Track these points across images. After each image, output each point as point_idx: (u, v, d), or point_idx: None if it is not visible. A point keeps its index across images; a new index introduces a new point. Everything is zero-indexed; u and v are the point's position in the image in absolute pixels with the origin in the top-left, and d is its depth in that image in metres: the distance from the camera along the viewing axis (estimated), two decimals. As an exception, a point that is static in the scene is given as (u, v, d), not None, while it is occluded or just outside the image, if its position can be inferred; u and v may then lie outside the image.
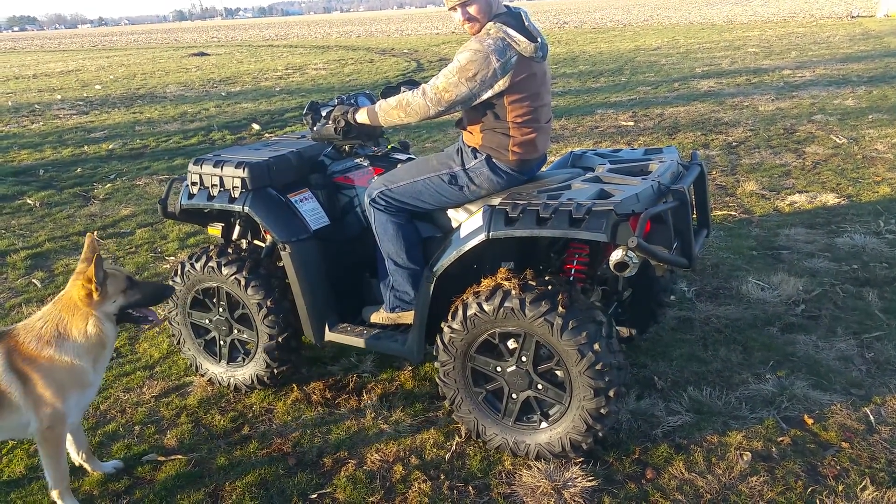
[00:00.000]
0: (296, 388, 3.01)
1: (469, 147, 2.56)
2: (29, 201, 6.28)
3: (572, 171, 2.70)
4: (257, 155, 2.94)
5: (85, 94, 14.60)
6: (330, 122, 2.72)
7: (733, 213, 4.88)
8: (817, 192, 5.19)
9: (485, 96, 2.39)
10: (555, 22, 35.38)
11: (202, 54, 25.76)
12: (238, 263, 2.83)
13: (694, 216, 2.61)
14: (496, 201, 2.36)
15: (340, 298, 2.94)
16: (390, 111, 2.53)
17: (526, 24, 2.45)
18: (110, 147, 8.62)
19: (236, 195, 2.80)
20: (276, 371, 2.91)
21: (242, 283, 2.80)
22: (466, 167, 2.55)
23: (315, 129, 2.81)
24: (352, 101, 2.84)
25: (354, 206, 2.95)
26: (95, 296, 2.19)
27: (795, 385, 2.79)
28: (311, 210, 2.90)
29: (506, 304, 2.30)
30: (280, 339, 2.84)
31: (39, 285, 4.34)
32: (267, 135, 9.06)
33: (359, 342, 2.79)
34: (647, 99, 9.88)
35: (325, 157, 3.03)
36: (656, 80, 11.71)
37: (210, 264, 2.86)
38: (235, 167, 2.80)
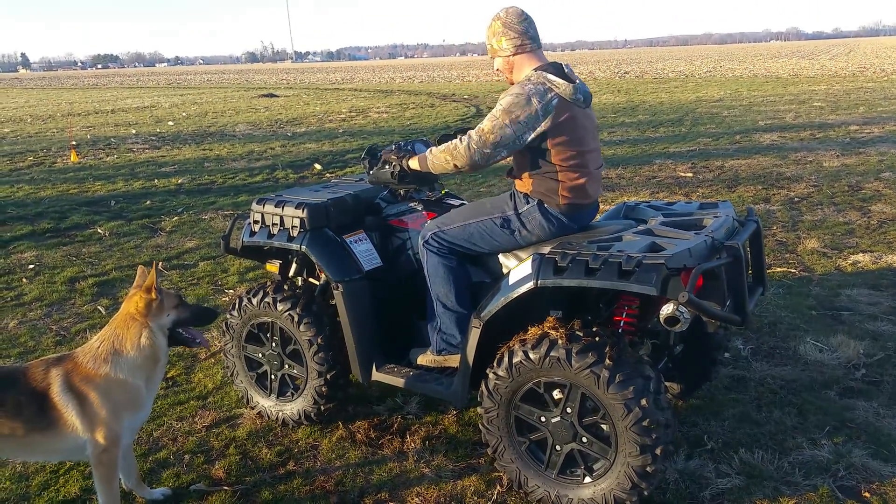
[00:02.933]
0: (341, 425, 3.05)
1: (521, 193, 2.61)
2: (99, 230, 6.60)
3: (624, 223, 2.69)
4: (317, 196, 3.04)
5: (158, 130, 15.34)
6: (385, 166, 2.79)
7: (793, 270, 4.75)
8: (882, 253, 5.01)
9: (529, 138, 2.45)
10: (615, 72, 35.54)
11: (271, 95, 26.80)
12: (292, 300, 2.92)
13: (749, 273, 2.55)
14: (546, 249, 2.36)
15: (388, 339, 2.98)
16: (439, 156, 2.58)
17: (566, 71, 2.54)
18: (179, 181, 9.02)
19: (295, 234, 2.90)
20: (322, 408, 2.96)
21: (295, 319, 2.89)
22: (519, 211, 2.59)
23: (372, 172, 2.88)
24: (408, 147, 2.89)
25: (406, 248, 3.01)
26: (154, 304, 2.31)
27: (853, 453, 2.67)
28: (364, 251, 2.97)
29: (552, 354, 2.27)
30: (328, 377, 2.89)
31: (104, 312, 4.53)
32: (328, 175, 9.33)
33: (404, 383, 2.81)
34: (708, 150, 9.78)
35: (380, 200, 3.13)
36: (717, 131, 11.60)
37: (266, 300, 2.96)
38: (295, 208, 2.91)
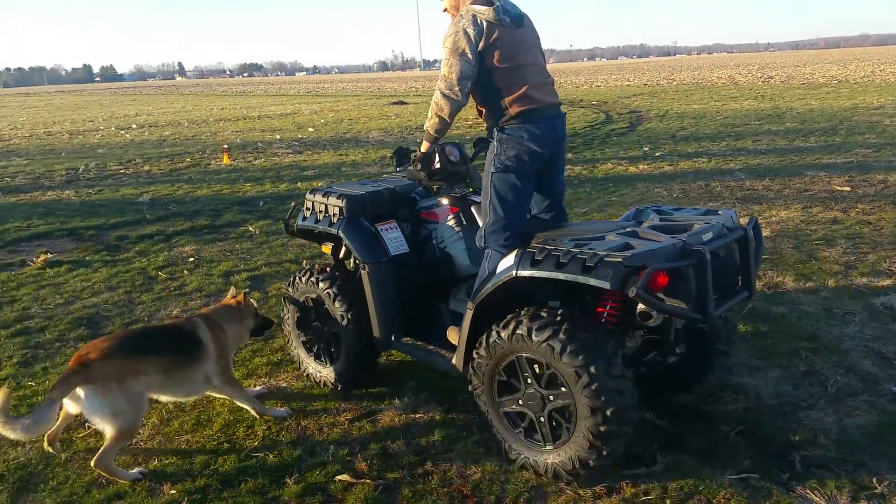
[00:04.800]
0: (475, 430, 3.07)
1: (490, 134, 2.99)
2: (251, 228, 7.06)
3: (618, 224, 2.88)
4: (358, 190, 3.51)
5: (299, 136, 16.21)
6: (413, 164, 3.23)
7: (973, 297, 4.27)
8: None
9: (475, 61, 2.83)
10: (758, 76, 33.57)
11: (401, 103, 27.61)
12: (331, 280, 3.40)
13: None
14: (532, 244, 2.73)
15: (410, 316, 3.38)
16: (430, 119, 3.01)
17: (498, 2, 2.87)
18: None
19: (335, 221, 3.38)
20: (354, 373, 3.42)
21: (331, 296, 3.35)
22: (497, 151, 2.92)
23: (409, 170, 3.32)
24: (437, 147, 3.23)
25: (432, 238, 3.40)
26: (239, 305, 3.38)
27: None
28: (393, 238, 3.41)
29: (517, 332, 2.59)
30: (357, 347, 3.34)
31: (255, 305, 4.83)
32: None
33: (414, 354, 3.29)
34: (867, 163, 9.01)
35: (416, 194, 3.56)
36: (878, 142, 10.66)
37: (311, 279, 3.46)
38: (337, 198, 3.39)
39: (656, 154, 10.79)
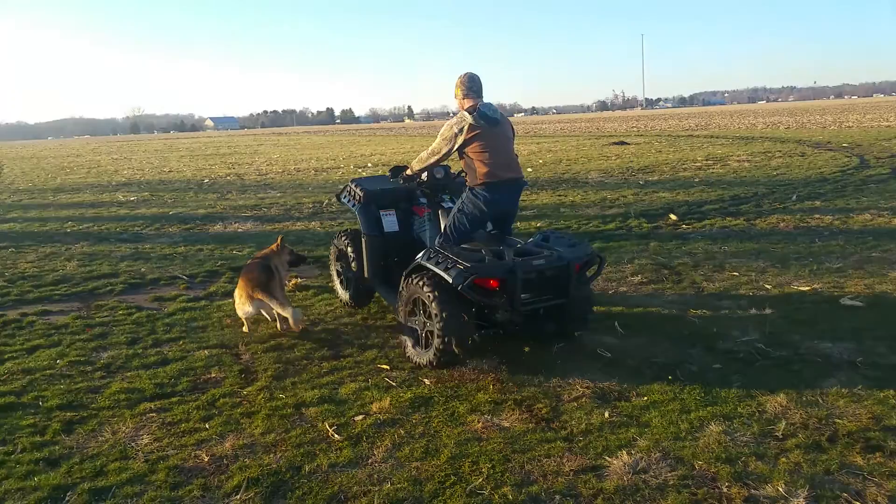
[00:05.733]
0: None
1: (467, 187, 4.74)
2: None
3: (510, 241, 4.67)
4: (376, 185, 5.55)
5: (520, 175, 16.54)
6: (400, 179, 5.27)
7: None
8: None
9: (454, 149, 4.62)
10: None
11: (622, 143, 27.14)
12: (348, 240, 5.75)
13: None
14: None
15: (391, 272, 5.34)
16: (414, 163, 4.96)
17: (479, 104, 4.67)
18: (538, 225, 9.57)
19: (357, 203, 5.48)
20: (354, 295, 5.80)
21: (347, 250, 5.74)
22: (463, 200, 4.72)
23: (396, 181, 5.33)
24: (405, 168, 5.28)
25: (414, 225, 5.45)
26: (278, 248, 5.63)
27: None
28: (389, 221, 5.41)
29: (416, 285, 4.43)
30: (356, 281, 5.67)
31: (477, 340, 4.94)
32: (684, 226, 9.01)
33: (381, 293, 5.41)
34: None
35: (418, 194, 5.39)
36: None
37: (341, 237, 5.92)
38: (360, 190, 5.49)
39: (925, 204, 9.39)
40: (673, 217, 9.63)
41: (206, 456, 3.42)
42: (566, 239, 4.65)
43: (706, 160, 17.92)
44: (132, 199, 15.30)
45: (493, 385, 4.16)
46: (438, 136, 4.63)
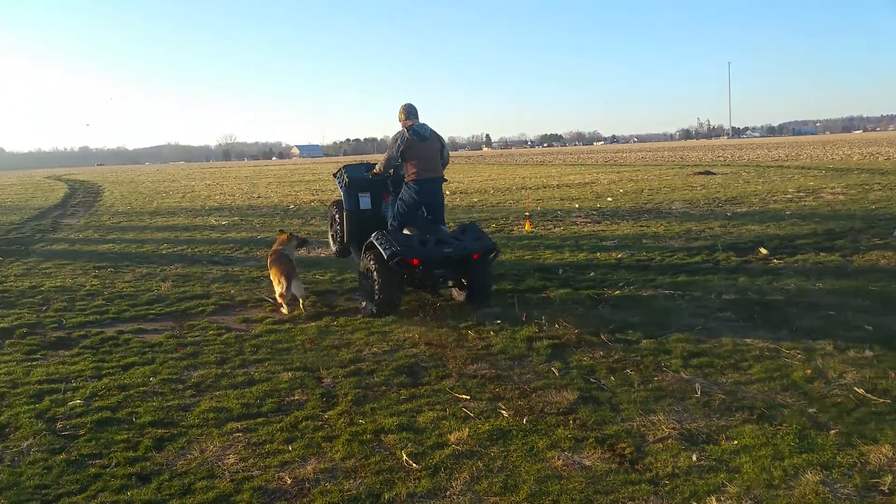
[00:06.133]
0: None
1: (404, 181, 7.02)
2: (551, 296, 7.21)
3: (438, 230, 6.90)
4: (359, 174, 7.63)
5: (598, 205, 16.35)
6: (370, 174, 7.53)
7: None
8: None
9: (396, 154, 6.85)
10: None
11: (707, 173, 26.37)
12: (335, 209, 8.06)
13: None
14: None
15: (364, 239, 6.83)
16: (379, 164, 7.22)
17: (413, 123, 6.90)
18: (619, 256, 9.38)
19: (343, 186, 7.56)
20: (338, 251, 8.18)
21: (334, 216, 8.10)
22: (402, 192, 6.99)
23: (369, 175, 7.56)
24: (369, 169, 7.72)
25: (381, 206, 7.57)
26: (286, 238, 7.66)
27: None
28: (364, 201, 7.54)
29: (368, 255, 6.63)
30: (340, 242, 7.94)
31: (557, 374, 4.87)
32: (775, 261, 8.63)
33: (355, 255, 7.39)
34: None
35: (390, 183, 7.48)
36: None
37: (329, 207, 8.31)
38: (347, 176, 7.57)
39: None
40: (763, 251, 9.25)
41: (289, 478, 3.49)
42: (476, 233, 6.81)
43: (797, 192, 17.18)
44: (223, 223, 16.00)
45: (573, 421, 4.07)
46: (388, 145, 7.03)
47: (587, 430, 3.95)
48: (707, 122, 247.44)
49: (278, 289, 6.91)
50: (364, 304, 6.74)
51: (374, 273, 6.45)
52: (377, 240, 6.44)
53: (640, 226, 12.41)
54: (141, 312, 7.21)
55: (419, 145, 6.83)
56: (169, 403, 4.57)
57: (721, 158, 41.88)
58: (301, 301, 6.95)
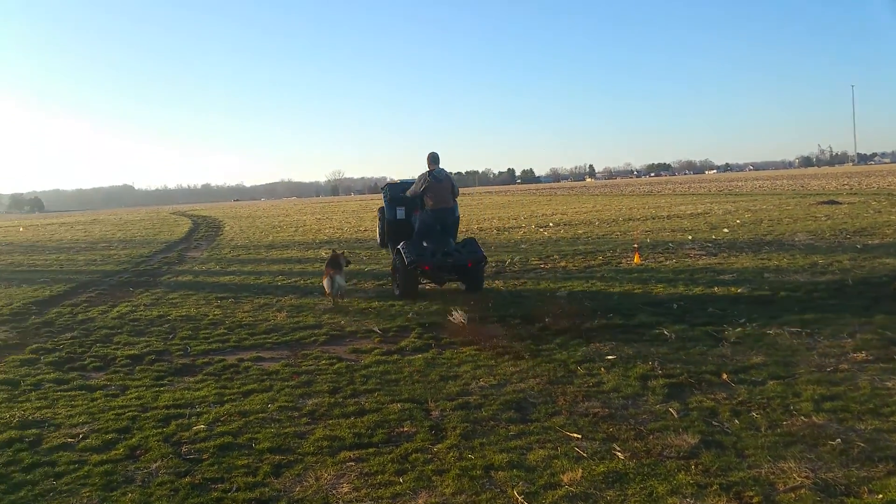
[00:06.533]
0: None
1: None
2: (665, 332, 6.90)
3: (448, 244, 9.98)
4: (399, 191, 10.57)
5: (713, 237, 15.65)
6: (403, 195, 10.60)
7: None
8: None
9: (420, 191, 10.04)
10: None
11: (832, 202, 24.75)
12: (379, 215, 11.07)
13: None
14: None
15: (400, 239, 10.05)
16: (409, 191, 10.33)
17: (433, 168, 10.13)
18: (738, 291, 8.89)
19: (387, 199, 10.72)
20: (379, 242, 11.45)
21: (379, 219, 11.19)
22: (421, 216, 10.18)
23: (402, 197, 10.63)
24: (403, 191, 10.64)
25: (412, 218, 10.42)
26: (343, 254, 10.35)
27: None
28: (400, 212, 10.47)
29: (396, 256, 10.03)
30: (381, 238, 11.17)
31: (676, 415, 4.63)
32: (916, 296, 7.89)
33: (393, 252, 10.40)
34: None
35: (419, 200, 10.27)
36: None
37: (378, 212, 11.26)
38: (389, 193, 10.68)
39: None
40: (901, 286, 8.50)
41: (400, 511, 3.48)
42: (472, 247, 9.95)
43: (939, 221, 15.74)
44: (367, 274, 16.57)
45: (695, 466, 3.85)
46: (414, 185, 10.21)
47: (710, 475, 3.71)
48: (829, 149, 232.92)
49: (328, 282, 9.49)
50: (394, 288, 10.16)
51: (399, 270, 9.73)
52: (402, 248, 9.57)
53: (761, 259, 11.74)
54: (259, 341, 7.53)
55: (436, 186, 9.92)
56: (286, 430, 4.71)
57: (846, 187, 39.23)
58: (341, 294, 9.71)
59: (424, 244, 9.68)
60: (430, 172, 9.96)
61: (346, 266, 9.99)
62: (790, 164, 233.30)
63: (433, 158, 10.12)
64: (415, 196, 10.18)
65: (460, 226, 11.92)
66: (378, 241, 11.34)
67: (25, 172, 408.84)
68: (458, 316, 7.62)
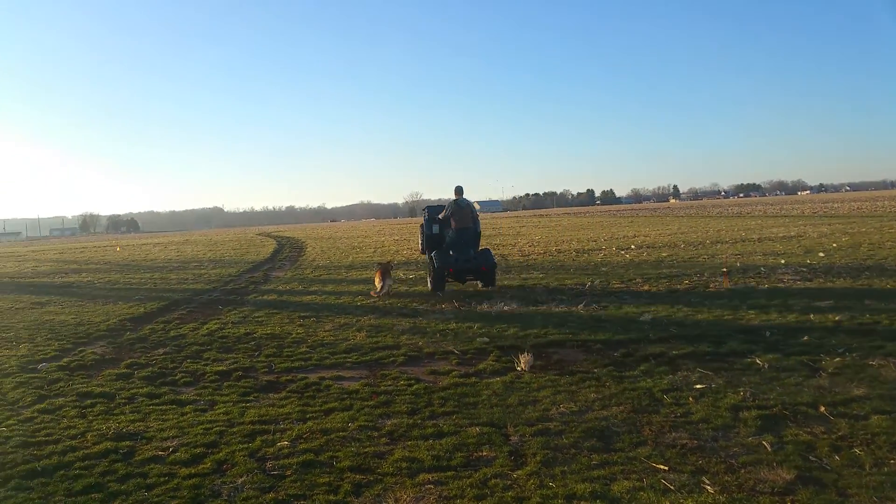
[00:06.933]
0: None
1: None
2: (758, 361, 6.57)
3: (469, 253, 13.39)
4: (436, 213, 14.03)
5: (808, 261, 14.87)
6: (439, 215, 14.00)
7: None
8: None
9: (447, 215, 13.62)
10: None
11: (939, 224, 23.08)
12: (420, 229, 14.86)
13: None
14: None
15: (432, 248, 13.82)
16: (441, 213, 14.08)
17: (458, 198, 13.79)
18: (837, 318, 8.38)
19: (425, 218, 14.22)
20: (421, 251, 15.14)
21: (420, 232, 14.99)
22: (448, 233, 13.71)
23: (436, 219, 14.10)
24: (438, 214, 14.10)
25: (445, 232, 13.74)
26: (392, 264, 14.54)
27: None
28: (436, 228, 13.88)
29: (429, 261, 13.67)
30: (422, 248, 14.92)
31: (770, 449, 4.38)
32: None
33: (428, 258, 14.09)
34: None
35: (450, 219, 13.74)
36: None
37: (420, 226, 15.09)
38: (428, 213, 14.18)
39: None
40: None
41: (479, 538, 3.42)
42: (486, 255, 13.14)
43: None
44: (411, 276, 16.75)
45: (791, 502, 3.61)
46: (444, 208, 13.63)
47: None
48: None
49: (378, 282, 12.97)
50: (429, 282, 13.54)
51: (432, 271, 13.14)
52: (435, 256, 13.06)
53: (861, 284, 11.06)
54: (340, 360, 7.66)
55: (459, 211, 13.41)
56: (366, 450, 4.74)
57: (956, 208, 36.55)
58: (389, 292, 12.92)
59: (451, 253, 13.13)
60: (455, 201, 13.63)
61: (393, 272, 13.88)
62: (891, 185, 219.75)
63: (458, 191, 13.77)
64: (445, 218, 13.65)
65: (481, 240, 14.52)
66: (420, 248, 14.89)
67: (123, 195, 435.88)
68: (524, 360, 6.92)
